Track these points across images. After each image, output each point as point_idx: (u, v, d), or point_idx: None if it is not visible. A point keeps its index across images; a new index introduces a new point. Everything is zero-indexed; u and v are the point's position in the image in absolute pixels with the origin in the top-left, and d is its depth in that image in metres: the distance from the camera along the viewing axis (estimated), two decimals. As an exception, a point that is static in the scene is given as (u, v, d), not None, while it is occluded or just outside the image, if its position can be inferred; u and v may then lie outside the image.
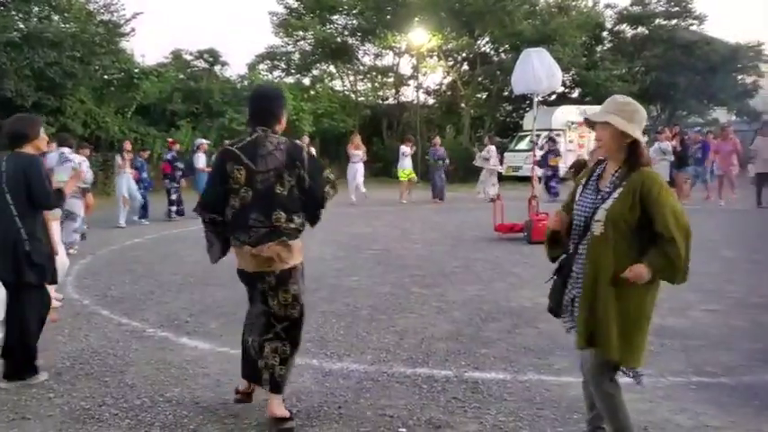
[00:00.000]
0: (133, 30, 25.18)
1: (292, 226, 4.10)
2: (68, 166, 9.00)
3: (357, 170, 19.38)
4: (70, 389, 4.89)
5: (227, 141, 5.16)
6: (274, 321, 4.20)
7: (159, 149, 23.55)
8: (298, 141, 4.31)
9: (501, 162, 22.63)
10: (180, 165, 16.23)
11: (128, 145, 15.64)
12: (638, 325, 3.34)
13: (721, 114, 35.17)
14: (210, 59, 31.33)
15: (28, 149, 5.10)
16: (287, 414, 4.16)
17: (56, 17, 23.59)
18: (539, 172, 17.03)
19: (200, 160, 16.75)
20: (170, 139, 19.38)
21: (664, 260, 3.27)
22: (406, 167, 20.17)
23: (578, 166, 17.43)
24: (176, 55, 31.35)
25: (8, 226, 4.88)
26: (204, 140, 18.19)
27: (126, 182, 14.68)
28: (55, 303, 5.89)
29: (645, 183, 3.30)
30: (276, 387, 4.17)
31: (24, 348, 5.00)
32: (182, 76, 29.77)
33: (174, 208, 16.00)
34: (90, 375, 5.19)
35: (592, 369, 3.46)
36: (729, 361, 5.25)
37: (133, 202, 14.95)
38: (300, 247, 4.21)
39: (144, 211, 15.45)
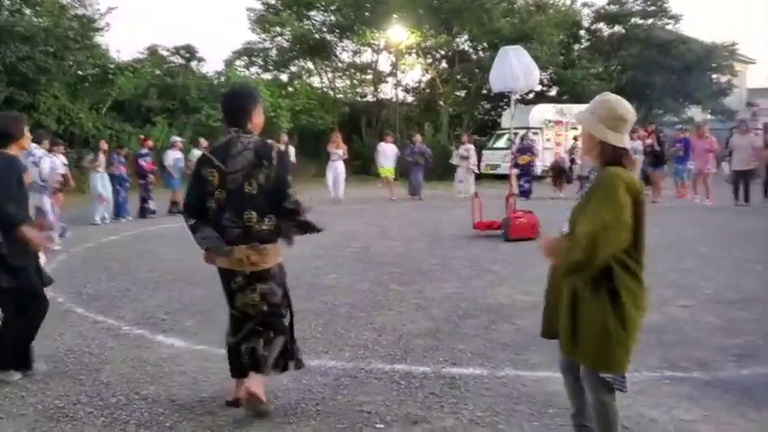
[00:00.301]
0: (108, 24, 24.89)
1: (265, 228, 4.11)
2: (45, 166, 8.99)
3: (337, 168, 19.25)
4: (44, 387, 4.84)
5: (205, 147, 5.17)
6: (244, 319, 4.23)
7: (133, 146, 23.35)
8: (269, 141, 4.28)
9: (479, 160, 22.73)
10: (147, 160, 16.05)
11: (104, 144, 15.47)
12: (606, 329, 3.15)
13: (696, 113, 35.54)
14: (187, 55, 31.08)
15: (12, 149, 5.01)
16: (262, 396, 4.16)
17: (28, 11, 23.28)
18: (516, 170, 17.14)
19: (170, 157, 16.63)
20: (142, 136, 19.27)
21: (566, 248, 3.22)
22: (384, 165, 20.19)
23: (556, 169, 17.64)
24: (152, 51, 31.06)
25: None
26: (178, 138, 18.08)
27: (100, 180, 14.51)
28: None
29: (597, 181, 3.27)
30: (257, 365, 4.18)
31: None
32: (158, 72, 29.47)
33: (147, 206, 15.86)
34: (65, 374, 5.13)
35: (585, 378, 3.33)
36: (703, 356, 5.31)
37: (106, 202, 14.73)
38: (276, 249, 4.21)
39: (121, 208, 15.27)
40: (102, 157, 14.67)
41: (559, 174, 17.10)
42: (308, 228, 4.23)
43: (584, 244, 3.06)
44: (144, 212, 15.77)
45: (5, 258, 4.79)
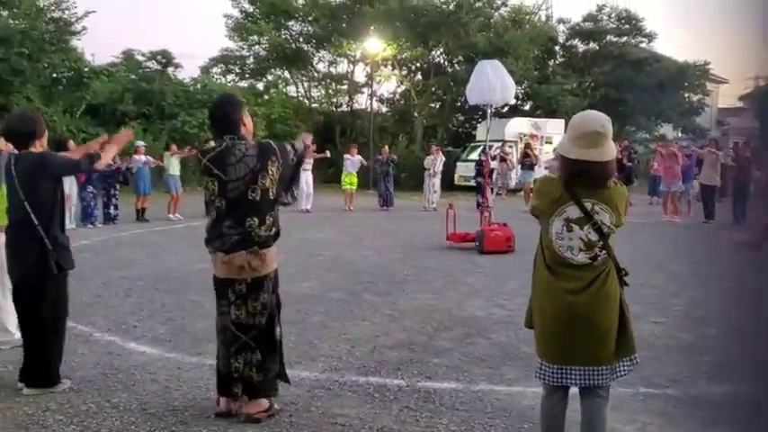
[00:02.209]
0: (85, 28, 24.78)
1: (263, 233, 4.12)
2: None
3: (307, 178, 19.13)
4: (12, 393, 4.75)
5: (202, 139, 5.27)
6: (239, 332, 4.21)
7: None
8: (264, 140, 4.37)
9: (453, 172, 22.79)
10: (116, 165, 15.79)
11: (72, 145, 15.22)
12: (622, 311, 3.45)
13: (668, 131, 36.04)
14: (163, 61, 30.90)
15: (35, 147, 4.98)
16: (261, 415, 4.26)
17: (4, 12, 23.05)
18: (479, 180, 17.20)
19: (136, 162, 16.43)
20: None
21: None
22: (347, 173, 20.13)
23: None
24: (128, 55, 30.86)
25: (27, 228, 4.75)
26: (141, 143, 17.88)
27: (69, 182, 14.26)
28: None
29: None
30: (254, 392, 4.23)
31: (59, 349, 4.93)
32: (133, 77, 29.27)
33: (111, 211, 15.57)
34: (33, 380, 5.03)
35: (599, 391, 3.48)
36: (675, 373, 5.36)
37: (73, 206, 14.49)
38: (274, 254, 4.26)
39: (88, 214, 15.00)
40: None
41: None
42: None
43: None
44: (107, 218, 15.49)
45: (60, 263, 4.81)
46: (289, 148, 4.40)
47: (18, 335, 5.26)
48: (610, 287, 3.38)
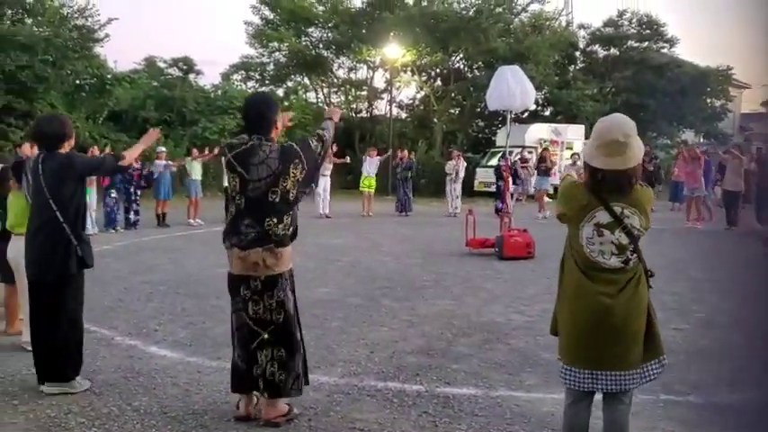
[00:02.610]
0: (108, 35, 24.95)
1: (280, 230, 4.13)
2: None
3: (325, 184, 19.17)
4: (35, 396, 4.81)
5: (225, 141, 5.28)
6: (257, 328, 4.21)
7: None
8: (288, 143, 4.34)
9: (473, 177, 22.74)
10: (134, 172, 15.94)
11: (95, 150, 15.41)
12: (648, 314, 3.47)
13: (690, 136, 35.73)
14: (185, 68, 31.16)
15: (64, 149, 5.08)
16: (278, 419, 4.27)
17: (29, 20, 23.33)
18: (510, 188, 17.13)
19: (155, 168, 16.55)
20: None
21: None
22: (366, 176, 20.08)
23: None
24: (150, 62, 31.15)
25: (53, 226, 4.85)
26: (163, 149, 17.97)
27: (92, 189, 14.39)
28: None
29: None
30: (275, 391, 4.23)
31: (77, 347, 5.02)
32: (155, 84, 29.54)
33: (132, 216, 15.71)
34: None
35: (625, 409, 3.52)
36: (697, 380, 5.31)
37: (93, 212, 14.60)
38: (289, 254, 4.27)
39: (111, 219, 15.13)
40: None
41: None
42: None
43: None
44: (128, 223, 15.60)
45: (84, 259, 4.94)
46: (314, 143, 4.35)
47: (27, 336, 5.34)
48: (642, 290, 3.40)
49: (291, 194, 4.19)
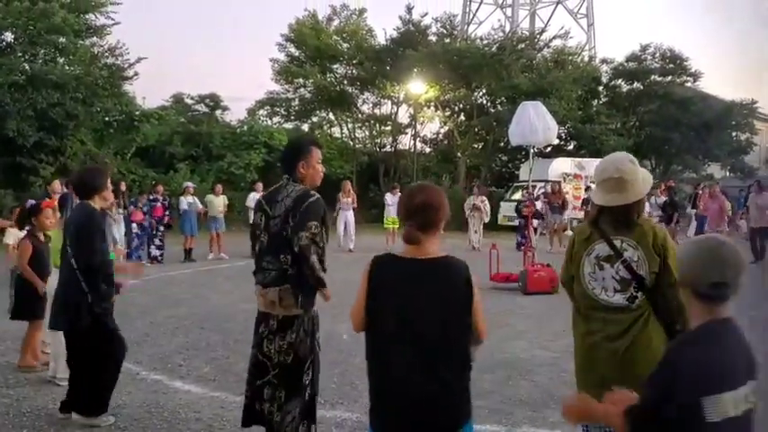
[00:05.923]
0: (137, 74, 25.39)
1: (294, 270, 4.11)
2: None
3: (347, 218, 19.26)
4: (60, 430, 4.86)
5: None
6: (266, 366, 4.19)
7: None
8: (311, 191, 4.28)
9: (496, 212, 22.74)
10: (157, 205, 16.19)
11: (123, 186, 15.63)
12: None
13: (715, 170, 35.51)
14: (211, 104, 31.63)
15: (95, 201, 5.13)
16: None
17: (61, 59, 23.85)
18: (534, 222, 17.13)
19: (183, 203, 16.77)
20: (155, 182, 19.53)
21: None
22: (390, 215, 20.13)
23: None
24: (177, 98, 31.70)
25: (69, 278, 4.91)
26: (190, 183, 18.17)
27: (114, 224, 14.51)
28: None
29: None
30: (272, 429, 4.18)
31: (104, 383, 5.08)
32: (182, 120, 30.00)
33: (156, 252, 15.90)
34: (81, 418, 5.14)
35: None
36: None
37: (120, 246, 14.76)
38: (311, 297, 4.24)
39: (132, 253, 15.23)
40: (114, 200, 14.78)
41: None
42: (312, 277, 4.12)
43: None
44: (150, 257, 15.75)
45: (92, 307, 4.89)
46: (308, 236, 4.08)
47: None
48: (651, 333, 3.32)
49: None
